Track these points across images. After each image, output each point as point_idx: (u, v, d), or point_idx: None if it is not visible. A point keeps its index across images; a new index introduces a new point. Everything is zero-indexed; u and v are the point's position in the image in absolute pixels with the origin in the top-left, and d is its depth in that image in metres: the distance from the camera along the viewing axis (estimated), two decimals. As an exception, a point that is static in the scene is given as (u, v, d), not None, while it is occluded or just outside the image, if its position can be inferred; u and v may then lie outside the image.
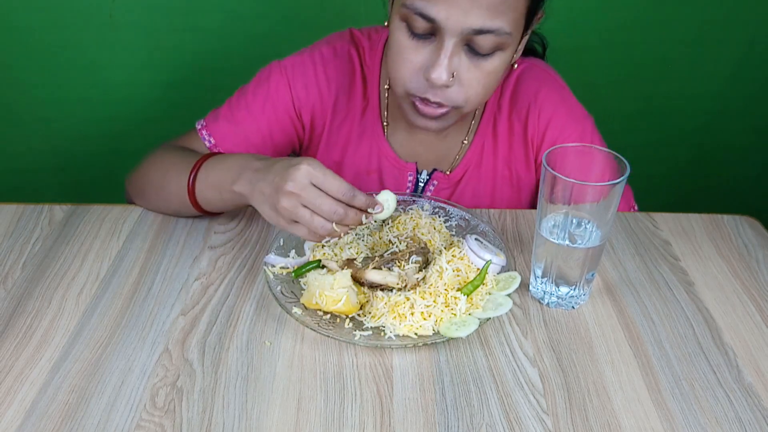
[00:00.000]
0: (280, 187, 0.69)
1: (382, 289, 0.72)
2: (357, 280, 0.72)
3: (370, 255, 0.77)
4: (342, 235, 0.71)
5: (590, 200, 0.68)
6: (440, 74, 0.75)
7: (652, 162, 1.59)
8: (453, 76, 0.77)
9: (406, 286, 0.71)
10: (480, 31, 0.73)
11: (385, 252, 0.76)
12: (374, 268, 0.72)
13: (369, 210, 0.71)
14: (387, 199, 0.73)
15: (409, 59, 0.78)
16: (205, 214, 0.85)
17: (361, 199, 0.70)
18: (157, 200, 0.87)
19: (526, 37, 0.83)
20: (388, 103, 0.95)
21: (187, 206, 0.83)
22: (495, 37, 0.74)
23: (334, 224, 0.69)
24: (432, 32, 0.76)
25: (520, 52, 0.85)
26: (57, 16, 1.30)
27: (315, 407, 0.62)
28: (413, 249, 0.75)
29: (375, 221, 0.73)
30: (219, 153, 0.85)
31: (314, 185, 0.68)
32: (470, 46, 0.76)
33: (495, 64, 0.78)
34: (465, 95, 0.80)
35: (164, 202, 0.86)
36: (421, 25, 0.75)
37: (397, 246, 0.77)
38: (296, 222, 0.70)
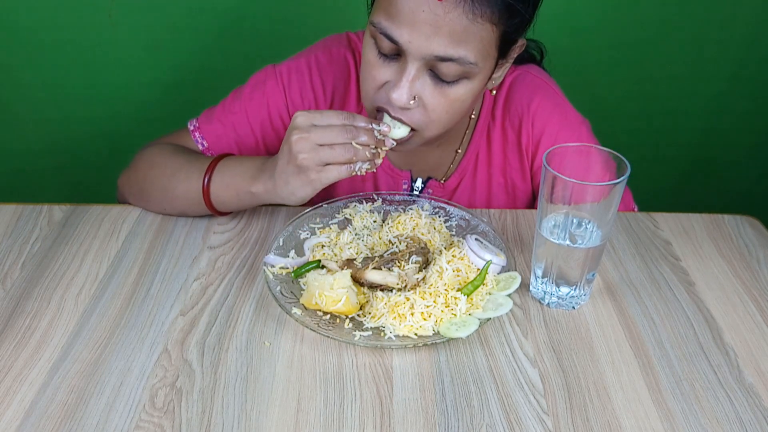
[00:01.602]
0: (290, 146, 0.72)
1: (381, 290, 0.72)
2: (357, 280, 0.72)
3: (370, 255, 0.76)
4: (369, 155, 0.72)
5: (591, 200, 0.68)
6: (401, 95, 0.75)
7: (652, 162, 1.58)
8: (414, 99, 0.76)
9: (406, 286, 0.71)
10: (442, 59, 0.72)
11: (385, 252, 0.75)
12: (374, 268, 0.72)
13: (375, 127, 0.73)
14: (390, 121, 0.76)
15: (374, 76, 0.78)
16: (217, 214, 0.86)
17: (361, 118, 0.73)
18: (161, 200, 0.87)
19: (507, 65, 0.81)
20: None
21: (198, 207, 0.84)
22: (458, 65, 0.73)
23: (354, 144, 0.71)
24: (398, 53, 0.75)
25: (498, 79, 0.83)
26: (56, 15, 1.30)
27: (315, 408, 0.62)
28: (413, 249, 0.75)
29: (393, 141, 0.75)
30: (230, 155, 0.86)
31: (316, 126, 0.72)
32: (434, 72, 0.75)
33: (460, 92, 0.76)
34: (428, 119, 0.78)
35: (169, 203, 0.86)
36: (386, 45, 0.74)
37: (397, 246, 0.76)
38: (326, 166, 0.72)
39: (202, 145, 0.92)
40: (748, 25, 1.43)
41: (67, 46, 1.34)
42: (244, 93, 0.93)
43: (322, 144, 0.71)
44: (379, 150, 0.74)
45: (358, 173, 0.73)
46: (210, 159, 0.85)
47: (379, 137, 0.74)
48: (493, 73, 0.80)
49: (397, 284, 0.71)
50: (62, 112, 1.43)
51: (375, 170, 0.77)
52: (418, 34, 0.71)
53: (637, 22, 1.41)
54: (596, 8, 1.38)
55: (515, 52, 0.80)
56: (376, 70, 0.77)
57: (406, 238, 0.78)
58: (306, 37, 0.99)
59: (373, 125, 0.73)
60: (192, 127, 0.93)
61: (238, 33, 1.37)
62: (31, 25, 1.31)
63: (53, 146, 1.48)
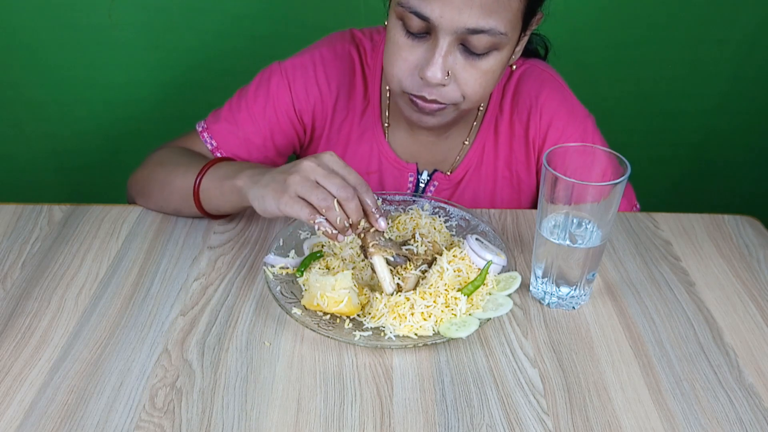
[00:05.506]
0: (299, 163, 0.69)
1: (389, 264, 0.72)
2: (364, 247, 0.71)
3: (393, 240, 0.75)
4: (338, 224, 0.67)
5: (591, 200, 0.68)
6: (435, 73, 0.76)
7: (652, 162, 1.58)
8: (448, 75, 0.77)
9: (399, 289, 0.71)
10: (474, 31, 0.74)
11: (405, 247, 0.74)
12: (385, 258, 0.71)
13: (373, 212, 0.69)
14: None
15: (404, 58, 0.79)
16: (203, 213, 0.84)
17: (371, 195, 0.69)
18: (159, 196, 0.87)
19: (525, 38, 0.83)
20: (389, 103, 0.95)
21: (188, 203, 0.83)
22: (489, 36, 0.74)
23: (336, 204, 0.66)
24: (427, 31, 0.76)
25: (519, 54, 0.85)
26: (56, 15, 1.30)
27: (315, 408, 0.62)
28: (429, 258, 0.74)
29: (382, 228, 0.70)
30: (231, 159, 0.86)
31: (333, 171, 0.68)
32: (465, 46, 0.76)
33: (491, 63, 0.78)
34: (462, 93, 0.80)
35: (165, 199, 0.86)
36: (416, 23, 0.75)
37: (417, 247, 0.75)
38: (300, 199, 0.67)
39: (211, 144, 0.93)
40: (748, 25, 1.43)
41: (67, 46, 1.34)
42: (249, 91, 0.94)
43: (318, 182, 0.67)
44: (351, 229, 0.69)
45: (316, 228, 0.68)
46: (211, 159, 0.85)
47: (362, 224, 0.69)
48: (515, 46, 0.81)
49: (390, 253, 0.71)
50: (62, 112, 1.43)
51: (336, 241, 0.69)
52: (449, 7, 0.72)
53: (637, 21, 1.40)
54: (596, 7, 1.38)
55: (534, 25, 0.82)
56: (407, 52, 0.78)
57: (429, 241, 0.76)
58: (306, 37, 0.99)
59: (376, 213, 0.69)
60: (200, 129, 0.94)
61: (238, 33, 1.37)
62: (30, 24, 1.31)
63: (53, 146, 1.48)
